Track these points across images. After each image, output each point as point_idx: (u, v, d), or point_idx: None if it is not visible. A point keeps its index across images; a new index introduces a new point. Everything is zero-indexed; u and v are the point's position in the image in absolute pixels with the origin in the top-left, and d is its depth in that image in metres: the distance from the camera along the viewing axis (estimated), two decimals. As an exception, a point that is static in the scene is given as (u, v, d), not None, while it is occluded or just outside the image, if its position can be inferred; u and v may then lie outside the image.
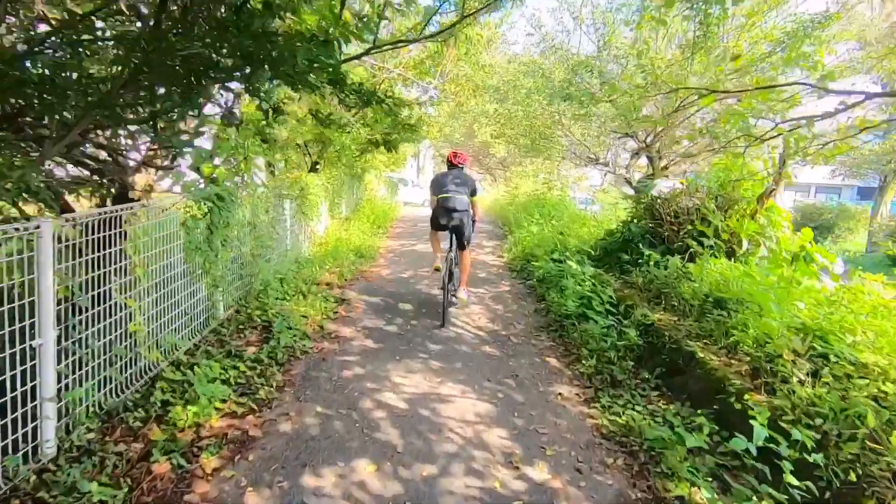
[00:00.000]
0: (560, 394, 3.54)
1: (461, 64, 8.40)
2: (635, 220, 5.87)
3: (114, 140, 3.92)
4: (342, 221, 10.58)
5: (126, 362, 3.00)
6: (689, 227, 5.13)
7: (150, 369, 3.27)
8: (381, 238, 9.93)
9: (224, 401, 3.16)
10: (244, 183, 4.88)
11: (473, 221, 5.48)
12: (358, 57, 4.29)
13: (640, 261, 5.22)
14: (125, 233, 3.07)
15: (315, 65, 3.04)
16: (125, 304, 2.96)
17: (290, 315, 4.60)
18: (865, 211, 22.34)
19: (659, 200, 5.61)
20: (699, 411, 2.95)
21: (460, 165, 5.59)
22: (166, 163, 4.36)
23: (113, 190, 4.04)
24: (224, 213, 4.27)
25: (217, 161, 4.40)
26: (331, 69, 3.09)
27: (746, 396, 2.76)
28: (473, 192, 5.45)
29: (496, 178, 28.42)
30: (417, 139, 11.68)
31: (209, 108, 5.24)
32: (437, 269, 5.29)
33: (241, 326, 4.38)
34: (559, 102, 6.97)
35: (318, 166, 9.28)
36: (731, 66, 4.14)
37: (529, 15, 7.73)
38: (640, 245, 5.35)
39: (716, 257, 4.63)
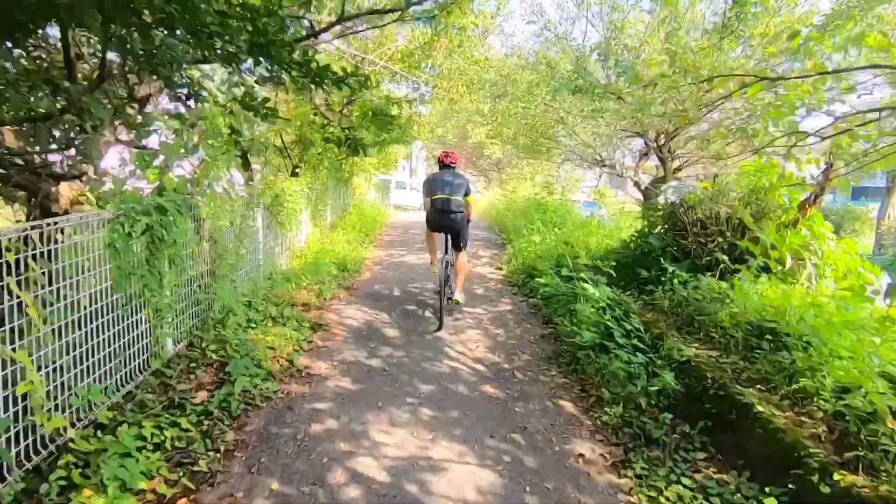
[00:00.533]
0: (581, 455, 2.86)
1: (454, 57, 7.76)
2: (654, 230, 5.23)
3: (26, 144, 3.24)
4: (327, 229, 9.88)
5: (14, 435, 2.30)
6: (720, 238, 4.48)
7: (59, 435, 2.56)
8: (369, 248, 9.23)
9: (151, 477, 2.47)
10: (203, 191, 4.18)
11: (468, 221, 5.49)
12: (322, 32, 3.60)
13: (663, 278, 4.57)
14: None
15: (262, 42, 2.38)
16: (10, 358, 2.26)
17: (253, 349, 3.91)
18: (871, 212, 21.93)
19: (682, 207, 4.96)
20: (768, 490, 2.29)
21: (452, 165, 5.55)
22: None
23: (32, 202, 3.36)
24: (171, 228, 3.57)
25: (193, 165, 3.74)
26: (283, 47, 2.42)
27: (836, 476, 2.11)
28: (468, 192, 5.42)
29: (490, 181, 27.80)
30: (407, 140, 11.01)
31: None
32: (436, 273, 5.34)
33: (192, 365, 3.68)
34: (565, 97, 6.34)
35: (298, 170, 8.58)
36: (783, 47, 3.52)
37: (530, 1, 7.15)
38: (662, 259, 4.70)
39: (761, 275, 3.99)
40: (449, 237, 5.42)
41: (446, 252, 5.37)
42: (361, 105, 8.35)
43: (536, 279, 6.07)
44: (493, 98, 7.77)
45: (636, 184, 8.55)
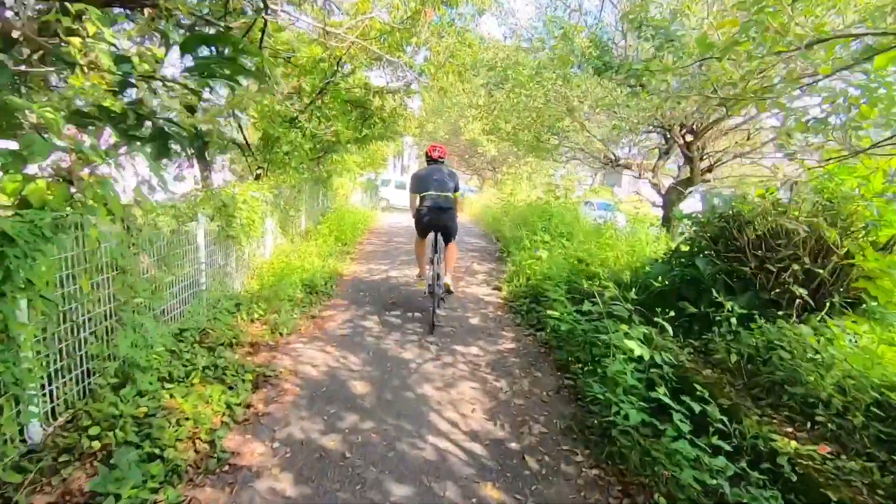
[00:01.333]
0: None
1: (444, 37, 6.67)
2: (699, 249, 4.18)
3: None
4: (301, 238, 8.76)
5: None
6: (794, 265, 3.44)
7: None
8: (346, 261, 8.12)
9: None
10: (90, 201, 3.06)
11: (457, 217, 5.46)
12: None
13: (717, 317, 3.53)
14: None
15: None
16: None
17: (161, 425, 2.82)
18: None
19: (735, 222, 3.92)
20: None
21: (441, 160, 5.49)
22: None
23: None
24: (26, 261, 2.48)
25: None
26: None
27: None
28: (457, 188, 5.39)
29: (484, 180, 26.72)
30: (391, 136, 9.92)
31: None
32: (423, 287, 5.42)
33: (61, 458, 2.58)
34: (583, 80, 5.30)
35: (261, 171, 7.47)
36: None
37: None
38: (714, 290, 3.65)
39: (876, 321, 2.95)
40: (439, 235, 5.28)
41: (435, 251, 5.23)
42: (336, 94, 7.24)
43: (545, 308, 5.02)
44: (489, 87, 6.69)
45: (655, 186, 7.52)
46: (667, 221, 7.47)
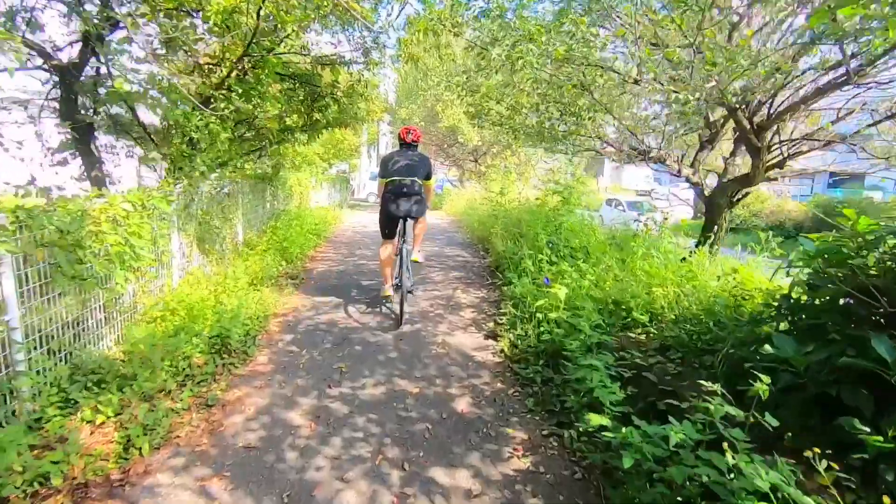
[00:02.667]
0: None
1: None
2: (852, 317, 2.48)
3: None
4: (238, 256, 6.87)
5: None
6: None
7: None
8: (286, 289, 6.26)
9: None
10: None
11: (426, 206, 5.34)
12: None
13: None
14: None
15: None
16: None
17: None
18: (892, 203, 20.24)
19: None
20: None
21: (415, 144, 5.31)
22: None
23: None
24: None
25: None
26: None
27: None
28: (429, 176, 5.25)
29: (464, 171, 24.82)
30: (349, 122, 8.04)
31: None
32: (387, 297, 5.33)
33: None
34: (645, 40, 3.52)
35: (157, 165, 5.58)
36: None
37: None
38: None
39: None
40: (406, 225, 5.05)
41: (403, 242, 5.04)
42: (265, 64, 5.37)
43: (568, 373, 3.30)
44: (479, 48, 4.83)
45: (696, 185, 5.85)
46: (710, 229, 5.83)
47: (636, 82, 4.10)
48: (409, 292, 5.12)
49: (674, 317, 3.78)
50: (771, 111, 4.30)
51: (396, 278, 5.09)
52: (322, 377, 3.86)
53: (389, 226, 5.15)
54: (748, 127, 4.53)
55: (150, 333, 3.89)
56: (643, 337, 3.80)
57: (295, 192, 11.81)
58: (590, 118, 5.13)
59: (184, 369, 3.72)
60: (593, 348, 3.37)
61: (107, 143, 6.41)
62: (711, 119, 5.76)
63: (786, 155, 4.80)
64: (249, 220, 8.32)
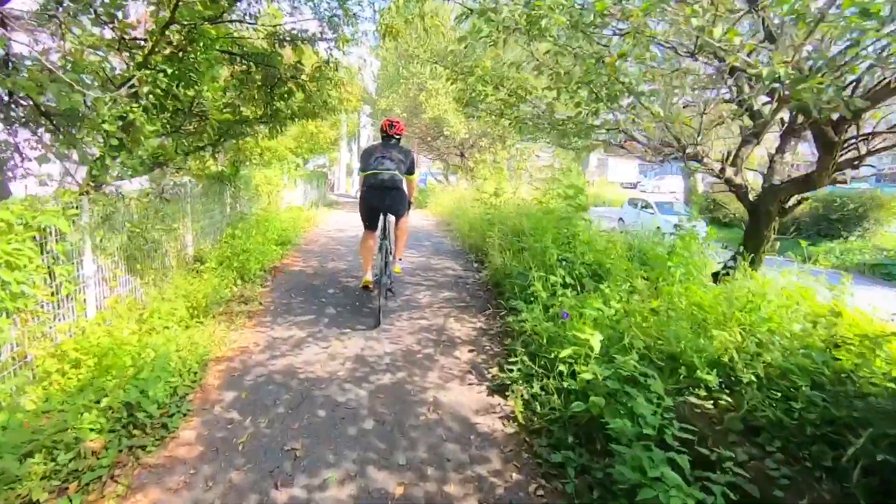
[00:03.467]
0: None
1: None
2: None
3: None
4: (187, 273, 5.73)
5: None
6: None
7: None
8: (238, 320, 5.14)
9: None
10: None
11: (409, 203, 5.34)
12: None
13: None
14: None
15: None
16: None
17: None
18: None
19: None
20: None
21: (397, 137, 5.22)
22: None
23: None
24: None
25: None
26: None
27: None
28: (411, 170, 5.18)
29: (449, 166, 23.69)
30: (319, 112, 6.92)
31: None
32: (367, 287, 5.10)
33: None
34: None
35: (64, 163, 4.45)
36: None
37: None
38: None
39: None
40: (386, 219, 5.15)
41: (384, 238, 5.09)
42: (201, 34, 4.26)
43: (613, 456, 2.29)
44: (479, 14, 3.76)
45: (738, 188, 4.89)
46: (754, 241, 4.88)
47: (693, 55, 3.13)
48: (389, 290, 5.39)
49: (753, 377, 2.79)
50: (863, 94, 3.33)
51: (376, 274, 5.08)
52: (268, 468, 2.79)
53: (371, 216, 5.15)
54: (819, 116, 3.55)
55: (13, 408, 2.79)
56: (710, 406, 2.80)
57: (262, 192, 10.62)
58: (631, 106, 4.12)
59: (66, 463, 2.63)
60: (654, 438, 2.36)
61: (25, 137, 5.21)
62: (756, 107, 4.78)
63: (864, 151, 3.85)
64: (203, 228, 7.17)
